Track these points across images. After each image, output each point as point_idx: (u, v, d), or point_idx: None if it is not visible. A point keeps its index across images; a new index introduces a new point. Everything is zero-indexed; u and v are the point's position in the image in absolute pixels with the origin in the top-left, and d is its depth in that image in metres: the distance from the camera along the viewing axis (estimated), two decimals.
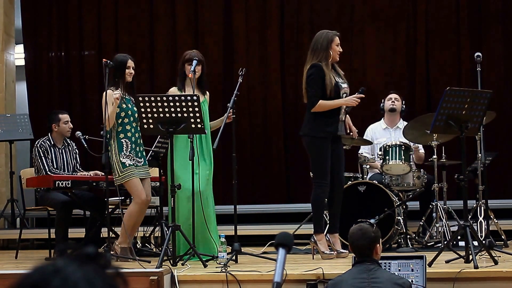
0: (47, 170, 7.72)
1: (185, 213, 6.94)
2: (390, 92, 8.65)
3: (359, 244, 4.53)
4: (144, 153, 7.04)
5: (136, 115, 6.88)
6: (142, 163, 6.97)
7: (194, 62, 6.96)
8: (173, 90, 7.13)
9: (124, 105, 6.93)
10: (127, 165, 6.80)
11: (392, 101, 8.47)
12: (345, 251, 6.91)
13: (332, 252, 6.86)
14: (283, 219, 9.83)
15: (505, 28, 10.40)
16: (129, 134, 6.90)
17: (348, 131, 7.18)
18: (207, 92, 7.31)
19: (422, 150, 8.32)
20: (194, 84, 6.91)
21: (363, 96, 6.89)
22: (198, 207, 6.84)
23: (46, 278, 1.39)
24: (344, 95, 6.95)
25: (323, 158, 6.87)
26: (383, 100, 8.57)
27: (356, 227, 4.64)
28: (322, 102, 6.81)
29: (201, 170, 6.98)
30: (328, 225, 7.14)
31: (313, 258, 6.91)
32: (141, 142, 7.02)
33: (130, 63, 7.02)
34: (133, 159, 6.90)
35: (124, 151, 6.84)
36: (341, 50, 6.99)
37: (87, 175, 7.72)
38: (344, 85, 6.96)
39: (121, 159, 6.81)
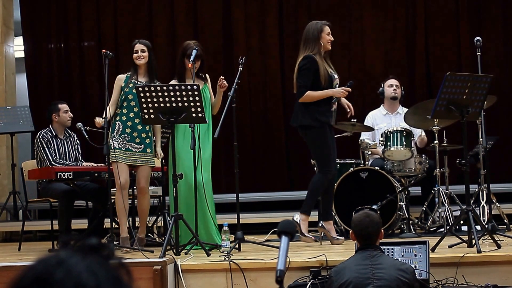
0: (51, 160, 7.71)
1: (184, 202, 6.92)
2: (390, 77, 8.60)
3: (369, 231, 4.52)
4: (148, 141, 6.95)
5: None
6: (140, 149, 6.92)
7: (194, 51, 6.92)
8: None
9: (127, 89, 6.94)
10: (113, 147, 6.82)
11: (394, 88, 8.42)
12: (341, 237, 6.97)
13: (310, 236, 6.89)
14: (285, 206, 9.82)
15: (505, 12, 10.38)
16: (123, 118, 6.89)
17: (348, 110, 7.15)
18: (207, 77, 7.26)
19: (423, 134, 8.29)
20: (193, 74, 6.88)
21: (350, 90, 6.90)
22: (200, 196, 6.83)
23: (50, 269, 1.39)
24: (337, 85, 6.96)
25: (325, 146, 6.87)
26: (382, 85, 8.53)
27: (362, 215, 4.60)
28: (310, 93, 6.83)
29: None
30: (322, 213, 7.13)
31: (321, 244, 6.93)
32: (147, 128, 6.95)
33: (137, 46, 7.05)
34: (123, 143, 6.88)
35: (115, 134, 6.88)
36: (332, 39, 6.98)
37: (90, 166, 7.71)
38: (336, 76, 6.98)
39: (110, 141, 6.86)
